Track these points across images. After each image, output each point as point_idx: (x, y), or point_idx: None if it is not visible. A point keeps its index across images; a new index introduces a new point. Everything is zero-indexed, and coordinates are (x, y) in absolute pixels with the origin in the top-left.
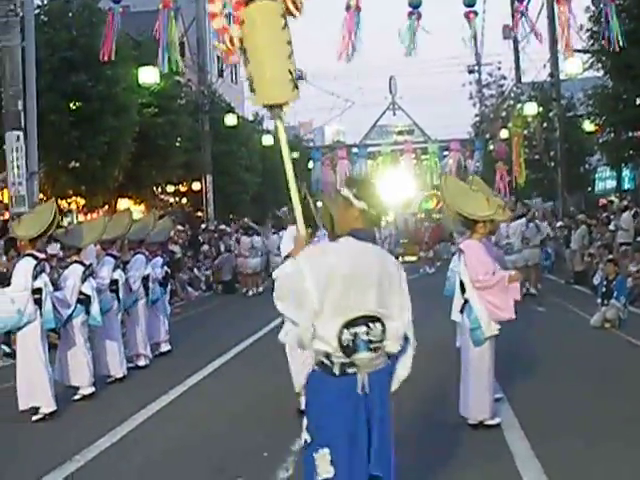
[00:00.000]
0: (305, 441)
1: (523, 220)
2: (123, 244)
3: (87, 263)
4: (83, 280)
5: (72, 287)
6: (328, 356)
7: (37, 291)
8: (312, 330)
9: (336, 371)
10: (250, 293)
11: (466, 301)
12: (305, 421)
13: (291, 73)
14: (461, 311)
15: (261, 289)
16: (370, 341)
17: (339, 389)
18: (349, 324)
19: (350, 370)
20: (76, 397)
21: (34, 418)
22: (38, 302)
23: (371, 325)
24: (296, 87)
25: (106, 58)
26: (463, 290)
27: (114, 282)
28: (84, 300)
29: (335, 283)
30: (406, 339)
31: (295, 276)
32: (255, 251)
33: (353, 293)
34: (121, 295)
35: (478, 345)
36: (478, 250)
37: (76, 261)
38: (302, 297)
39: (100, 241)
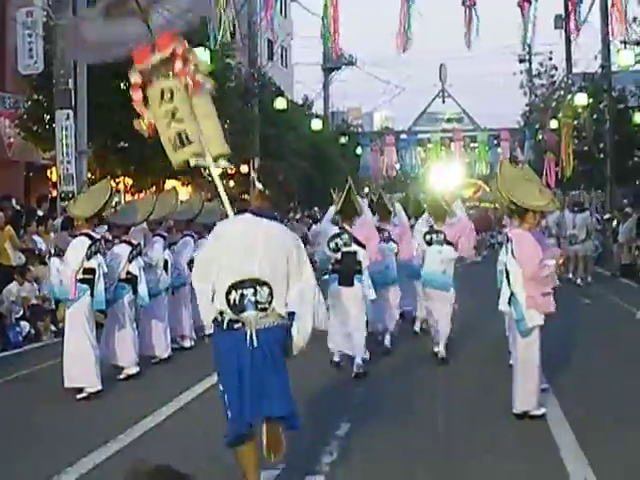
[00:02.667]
0: (220, 390)
1: (588, 213)
2: (171, 225)
3: (135, 243)
4: (130, 260)
5: (116, 266)
6: (221, 313)
7: (90, 271)
8: (210, 294)
9: (224, 326)
10: None
11: (512, 292)
12: (217, 372)
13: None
14: (509, 302)
15: None
16: (257, 302)
17: (228, 341)
18: (236, 286)
19: (236, 325)
20: (121, 376)
21: (79, 397)
22: (89, 282)
23: (258, 288)
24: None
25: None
26: (509, 280)
27: (164, 262)
28: (131, 280)
29: (226, 248)
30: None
31: (205, 245)
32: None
33: (240, 258)
34: (169, 276)
35: (525, 336)
36: (529, 240)
37: (124, 240)
38: (209, 263)
39: (147, 221)
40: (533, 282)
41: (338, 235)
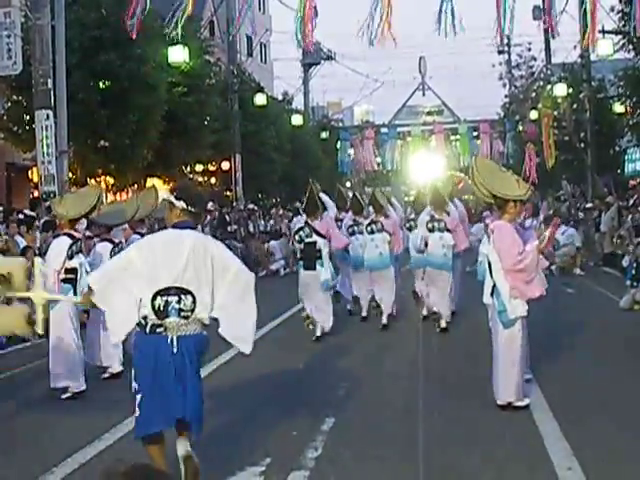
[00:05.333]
0: (134, 388)
1: (567, 204)
2: (150, 223)
3: (116, 241)
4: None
5: (100, 264)
6: (145, 318)
7: (72, 271)
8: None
9: (147, 330)
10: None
11: (494, 283)
12: (133, 371)
13: None
14: (491, 294)
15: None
16: (181, 309)
17: (149, 346)
18: (161, 293)
19: (159, 330)
20: (105, 376)
21: (63, 397)
22: (72, 282)
23: (182, 296)
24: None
25: (134, 36)
26: (491, 271)
27: None
28: None
29: (149, 258)
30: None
31: (122, 256)
32: None
33: (164, 268)
34: None
35: (507, 327)
36: (510, 231)
37: (105, 239)
38: (122, 272)
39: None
40: (513, 272)
41: (301, 229)
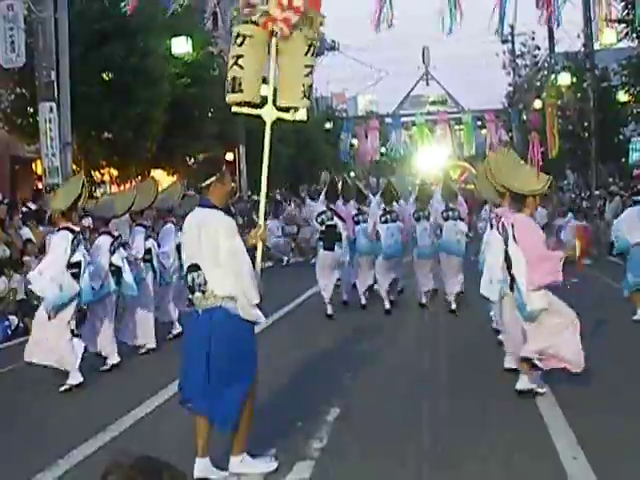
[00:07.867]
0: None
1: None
2: (153, 214)
3: (116, 234)
4: (112, 252)
5: (101, 259)
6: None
7: (76, 265)
8: None
9: (191, 305)
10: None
11: (513, 278)
12: None
13: (303, 86)
14: (511, 288)
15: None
16: (200, 285)
17: (190, 319)
18: (189, 270)
19: (193, 306)
20: (104, 368)
21: (61, 389)
22: (76, 275)
23: (198, 272)
24: (305, 97)
25: (129, 12)
26: (509, 265)
27: (147, 251)
28: (114, 271)
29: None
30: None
31: None
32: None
33: (189, 245)
34: (155, 264)
35: (528, 320)
36: (533, 226)
37: (104, 232)
38: None
39: (129, 213)
40: (535, 265)
41: (323, 212)
